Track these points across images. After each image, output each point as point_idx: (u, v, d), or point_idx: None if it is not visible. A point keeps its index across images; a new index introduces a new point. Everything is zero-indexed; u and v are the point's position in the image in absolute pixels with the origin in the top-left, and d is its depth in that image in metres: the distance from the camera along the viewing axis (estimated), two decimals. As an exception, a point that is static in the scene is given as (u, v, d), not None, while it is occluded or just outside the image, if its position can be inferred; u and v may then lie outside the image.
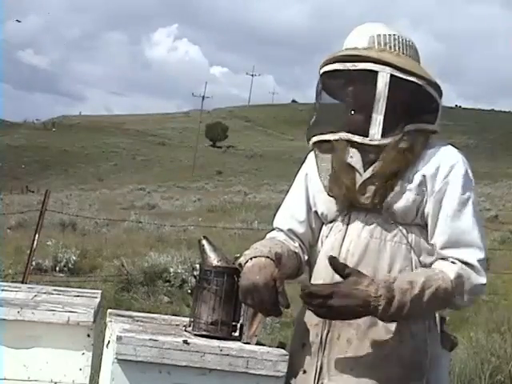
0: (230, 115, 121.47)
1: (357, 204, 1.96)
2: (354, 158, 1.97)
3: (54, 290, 2.30)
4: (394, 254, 1.93)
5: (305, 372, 1.95)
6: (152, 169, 69.42)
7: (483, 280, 1.89)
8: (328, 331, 1.93)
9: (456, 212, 1.91)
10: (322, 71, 2.03)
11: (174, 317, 2.14)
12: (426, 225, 1.96)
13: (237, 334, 1.88)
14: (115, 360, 1.71)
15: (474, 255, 1.88)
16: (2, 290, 2.12)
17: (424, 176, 1.94)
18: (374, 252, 1.93)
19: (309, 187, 2.10)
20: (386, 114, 1.92)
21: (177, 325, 1.99)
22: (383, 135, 1.92)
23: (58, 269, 9.90)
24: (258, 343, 1.85)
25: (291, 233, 2.10)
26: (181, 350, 1.72)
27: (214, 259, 1.91)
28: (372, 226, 1.95)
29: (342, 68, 1.96)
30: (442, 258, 1.91)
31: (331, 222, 2.03)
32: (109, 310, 2.05)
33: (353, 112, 1.98)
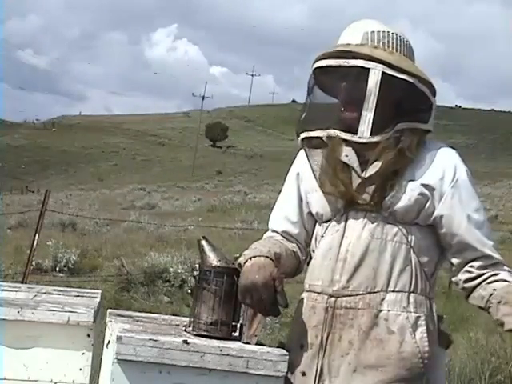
0: (230, 115, 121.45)
1: (355, 203, 1.96)
2: (350, 156, 1.96)
3: (54, 290, 2.30)
4: (395, 254, 1.93)
5: (304, 374, 1.94)
6: (152, 169, 69.43)
7: None
8: (328, 333, 1.93)
9: (479, 218, 1.96)
10: (314, 67, 2.02)
11: (173, 317, 2.14)
12: (430, 226, 1.97)
13: (237, 334, 1.88)
14: (115, 360, 1.71)
15: (497, 255, 1.98)
16: (2, 290, 2.12)
17: (428, 178, 1.94)
18: (375, 252, 1.93)
19: (301, 187, 2.09)
20: (376, 111, 1.90)
21: (177, 325, 1.99)
22: (373, 133, 1.92)
23: (58, 269, 9.90)
24: (257, 343, 1.85)
25: (286, 234, 2.10)
26: (181, 350, 1.72)
27: (213, 259, 1.91)
28: (372, 226, 1.94)
29: (334, 64, 1.95)
30: (494, 263, 1.95)
31: (326, 221, 2.02)
32: (109, 310, 2.05)
33: (343, 109, 1.97)
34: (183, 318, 2.05)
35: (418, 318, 1.92)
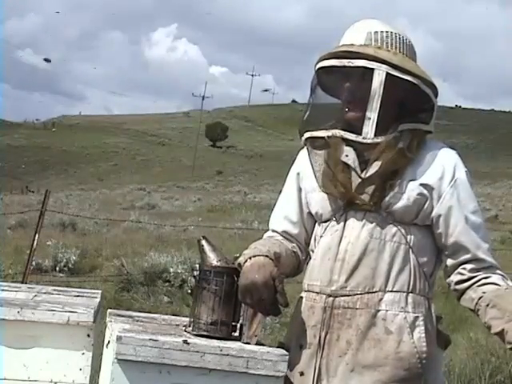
0: (230, 115, 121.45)
1: (354, 204, 1.96)
2: (350, 156, 1.96)
3: (54, 290, 2.30)
4: (394, 254, 1.93)
5: (302, 374, 1.94)
6: (152, 169, 69.43)
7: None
8: (326, 332, 1.93)
9: (476, 219, 1.96)
10: (317, 67, 2.01)
11: (173, 317, 2.14)
12: (429, 226, 1.97)
13: (237, 334, 1.88)
14: (115, 360, 1.71)
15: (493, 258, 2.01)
16: (2, 290, 2.12)
17: (427, 178, 1.94)
18: (373, 252, 1.93)
19: (301, 187, 2.09)
20: (380, 112, 1.91)
21: (177, 325, 1.99)
22: (377, 134, 1.92)
23: (58, 269, 9.90)
24: (258, 343, 1.85)
25: (286, 234, 2.10)
26: (181, 350, 1.72)
27: (213, 259, 1.91)
28: (371, 226, 1.95)
29: (337, 64, 1.95)
30: (487, 267, 1.97)
31: (326, 221, 2.02)
32: (109, 310, 2.05)
33: (347, 109, 1.97)
34: (183, 318, 2.05)
35: (416, 318, 1.92)
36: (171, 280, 9.05)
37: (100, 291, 2.33)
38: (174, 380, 1.74)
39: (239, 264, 1.90)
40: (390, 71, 1.91)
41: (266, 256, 1.89)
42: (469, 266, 1.96)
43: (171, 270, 9.16)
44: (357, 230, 1.95)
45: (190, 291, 8.40)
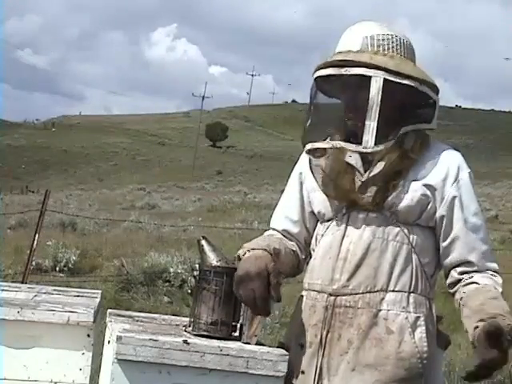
0: (230, 115, 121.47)
1: (356, 203, 1.96)
2: (353, 156, 1.96)
3: (54, 290, 2.30)
4: (396, 254, 1.93)
5: (303, 373, 1.95)
6: (152, 169, 69.43)
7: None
8: (328, 331, 1.93)
9: (477, 221, 1.97)
10: (315, 76, 2.01)
11: (173, 317, 2.14)
12: (432, 227, 1.97)
13: (237, 334, 1.88)
14: (115, 360, 1.71)
15: (494, 261, 2.01)
16: (2, 290, 2.12)
17: (430, 179, 1.94)
18: (376, 252, 1.93)
19: (303, 186, 2.10)
20: (379, 119, 1.90)
21: (177, 325, 1.99)
22: (377, 141, 1.91)
23: (58, 269, 9.88)
24: (257, 343, 1.85)
25: (286, 233, 2.10)
26: (181, 350, 1.72)
27: (213, 259, 1.91)
28: (374, 226, 1.95)
29: (335, 73, 1.95)
30: (479, 271, 1.97)
31: (328, 220, 2.02)
32: (109, 310, 2.05)
33: (346, 118, 1.98)
34: (183, 318, 2.05)
35: (417, 318, 1.92)
36: (171, 280, 9.04)
37: (100, 291, 2.33)
38: (174, 380, 1.74)
39: (238, 256, 1.92)
40: (386, 77, 1.91)
41: (265, 250, 1.90)
42: (459, 269, 1.97)
43: (171, 269, 9.15)
44: (359, 230, 1.95)
45: (189, 291, 8.39)
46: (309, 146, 2.04)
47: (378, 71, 1.91)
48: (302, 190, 2.10)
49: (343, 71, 1.93)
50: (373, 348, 1.89)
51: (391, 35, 1.99)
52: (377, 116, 1.90)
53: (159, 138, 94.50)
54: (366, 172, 1.95)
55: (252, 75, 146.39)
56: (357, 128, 1.94)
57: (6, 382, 1.92)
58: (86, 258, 10.81)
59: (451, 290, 2.00)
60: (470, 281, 1.95)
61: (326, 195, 2.00)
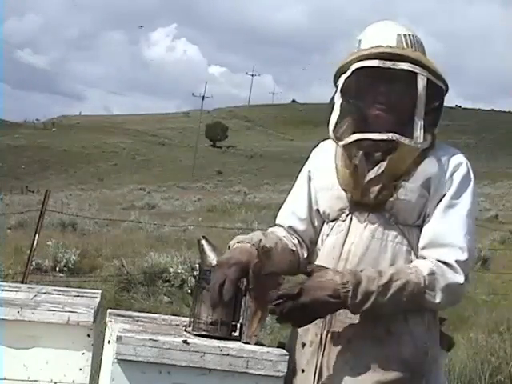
0: (230, 115, 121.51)
1: (360, 204, 1.96)
2: (357, 156, 1.96)
3: (54, 290, 2.30)
4: (395, 254, 1.93)
5: (303, 371, 1.95)
6: (152, 169, 69.45)
7: (460, 279, 1.86)
8: (328, 331, 1.93)
9: (442, 213, 1.92)
10: (355, 67, 1.95)
11: (173, 317, 2.14)
12: None
13: (237, 333, 1.88)
14: (115, 360, 1.71)
15: (453, 255, 1.87)
16: (2, 290, 2.12)
17: (428, 179, 1.94)
18: (375, 252, 1.93)
19: (311, 185, 2.10)
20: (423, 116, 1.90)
21: (177, 325, 1.99)
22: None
23: (58, 269, 9.88)
24: (257, 343, 1.85)
25: (291, 230, 2.10)
26: (181, 349, 1.72)
27: (213, 259, 1.91)
28: (374, 226, 1.95)
29: (381, 66, 1.91)
30: (422, 258, 1.92)
31: (333, 220, 2.03)
32: (109, 310, 2.05)
33: (379, 111, 1.95)
34: (183, 318, 2.05)
35: (418, 318, 1.91)
36: (171, 280, 9.04)
37: (100, 291, 2.33)
38: (174, 380, 1.74)
39: (228, 246, 1.94)
40: (429, 76, 1.91)
41: (253, 245, 1.92)
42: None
43: (171, 269, 9.15)
44: (360, 230, 1.96)
45: (189, 291, 8.39)
46: (356, 137, 1.94)
47: (423, 69, 1.91)
48: (310, 188, 2.10)
49: (390, 65, 1.91)
50: (372, 348, 1.89)
51: (415, 36, 2.00)
52: (423, 113, 1.90)
53: (159, 138, 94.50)
54: (369, 172, 1.95)
55: (252, 75, 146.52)
56: (387, 123, 1.92)
57: (5, 382, 1.92)
58: (86, 257, 10.81)
59: None
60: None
61: (342, 187, 1.98)
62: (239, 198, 26.33)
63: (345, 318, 1.91)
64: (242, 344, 1.82)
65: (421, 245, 1.93)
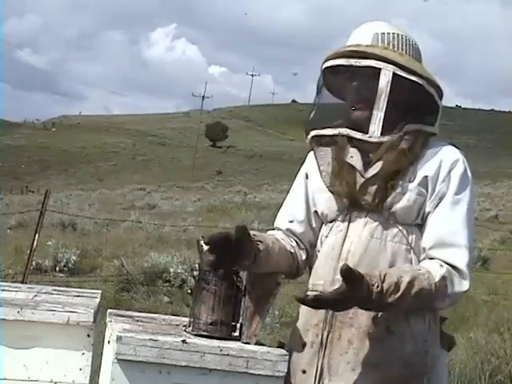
0: (230, 115, 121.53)
1: (358, 204, 1.96)
2: (354, 157, 1.97)
3: (54, 290, 2.30)
4: (395, 254, 1.93)
5: (304, 372, 1.95)
6: (152, 169, 69.46)
7: (467, 285, 1.89)
8: (329, 332, 1.93)
9: (448, 212, 1.92)
10: (324, 66, 2.02)
11: (173, 317, 2.14)
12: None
13: (237, 334, 1.88)
14: (115, 360, 1.71)
15: (462, 258, 1.89)
16: (2, 290, 2.12)
17: (426, 177, 1.94)
18: (374, 252, 1.93)
19: (308, 186, 2.10)
20: (386, 111, 1.92)
21: (177, 325, 1.99)
22: (383, 133, 1.92)
23: (58, 269, 9.88)
24: (257, 343, 1.85)
25: (290, 232, 2.10)
26: (181, 349, 1.72)
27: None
28: (373, 226, 1.95)
29: (345, 63, 1.96)
30: (429, 258, 1.92)
31: (331, 221, 2.03)
32: (109, 310, 2.05)
33: (354, 108, 1.98)
34: (183, 318, 2.05)
35: (418, 318, 1.91)
36: (171, 280, 9.04)
37: (100, 291, 2.33)
38: (174, 380, 1.74)
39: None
40: (396, 71, 1.92)
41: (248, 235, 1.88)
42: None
43: (171, 270, 9.15)
44: (359, 230, 1.96)
45: (189, 291, 8.39)
46: (313, 133, 2.04)
47: (388, 65, 1.92)
48: (308, 190, 2.10)
49: (353, 62, 1.94)
50: (373, 348, 1.89)
51: (401, 35, 2.01)
52: (384, 107, 1.91)
53: (159, 138, 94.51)
54: (365, 172, 1.95)
55: (252, 75, 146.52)
56: (362, 120, 1.94)
57: (5, 382, 1.92)
58: (86, 257, 10.81)
59: None
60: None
61: (331, 191, 1.99)
62: (239, 198, 26.33)
63: (345, 318, 1.92)
64: (242, 344, 1.82)
65: (427, 245, 1.93)
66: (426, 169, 1.94)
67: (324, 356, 1.93)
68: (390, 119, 1.92)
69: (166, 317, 2.13)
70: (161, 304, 8.39)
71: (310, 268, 2.09)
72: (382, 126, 1.92)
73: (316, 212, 2.08)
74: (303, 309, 2.01)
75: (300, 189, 2.12)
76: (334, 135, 1.99)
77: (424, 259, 1.93)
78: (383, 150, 1.94)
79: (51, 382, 1.94)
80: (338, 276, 1.92)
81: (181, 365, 1.72)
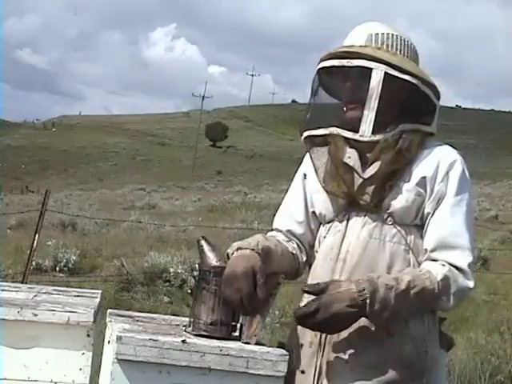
0: (230, 115, 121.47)
1: (356, 204, 1.96)
2: (352, 157, 1.97)
3: (54, 289, 2.30)
4: (393, 254, 1.93)
5: (303, 372, 1.95)
6: (152, 169, 69.42)
7: (471, 284, 1.89)
8: (327, 332, 1.93)
9: (448, 214, 1.92)
10: (318, 67, 2.03)
11: (173, 317, 2.14)
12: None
13: (237, 334, 1.88)
14: (115, 360, 1.71)
15: (465, 259, 1.89)
16: (2, 290, 2.12)
17: (424, 177, 1.94)
18: (372, 252, 1.93)
19: (306, 187, 2.10)
20: (378, 111, 1.92)
21: (177, 325, 1.99)
22: (374, 132, 1.92)
23: (58, 269, 9.88)
24: (257, 343, 1.85)
25: (290, 233, 2.10)
26: (181, 349, 1.72)
27: (212, 259, 1.91)
28: (371, 226, 1.95)
29: (337, 64, 1.97)
30: (431, 260, 1.92)
31: (329, 222, 2.02)
32: (109, 310, 2.05)
33: (346, 108, 1.98)
34: (183, 318, 2.05)
35: (417, 318, 1.91)
36: (171, 280, 9.04)
37: (100, 291, 2.33)
38: (174, 380, 1.74)
39: (227, 255, 1.92)
40: (388, 71, 1.92)
41: (253, 250, 1.90)
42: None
43: (171, 270, 9.14)
44: (357, 231, 1.96)
45: (190, 291, 8.39)
46: (306, 134, 2.05)
47: (380, 64, 1.93)
48: (306, 191, 2.10)
49: (345, 62, 1.95)
50: (372, 349, 1.89)
51: (396, 35, 2.01)
52: (375, 106, 1.91)
53: (159, 138, 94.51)
54: (363, 172, 1.95)
55: (252, 75, 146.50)
56: (355, 120, 1.95)
57: (5, 382, 1.92)
58: (86, 257, 10.80)
59: None
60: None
61: (327, 191, 2.00)
62: (239, 198, 26.32)
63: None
64: (242, 344, 1.82)
65: (429, 246, 1.93)
66: (423, 169, 1.94)
67: (323, 356, 1.93)
68: (384, 119, 1.93)
69: (166, 317, 2.13)
70: (161, 304, 8.39)
71: (310, 268, 2.10)
72: (374, 126, 1.92)
73: (314, 213, 2.08)
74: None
75: (298, 189, 2.12)
76: (325, 135, 2.00)
77: (425, 261, 1.93)
78: (379, 149, 1.94)
79: (51, 382, 1.95)
80: (337, 277, 1.93)
81: (181, 365, 1.72)
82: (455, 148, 2.03)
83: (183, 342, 1.74)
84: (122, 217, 16.80)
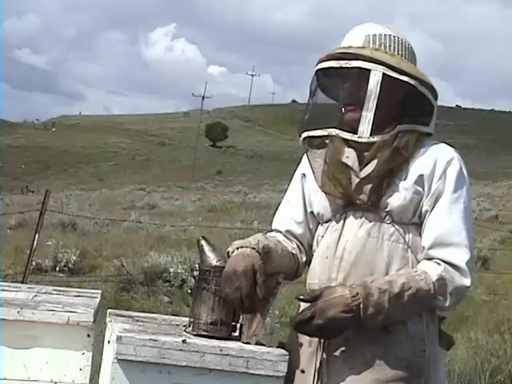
0: (230, 115, 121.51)
1: (354, 203, 1.96)
2: (350, 157, 1.97)
3: (54, 289, 2.30)
4: (392, 253, 1.93)
5: (303, 371, 1.95)
6: (152, 169, 69.45)
7: (468, 282, 1.88)
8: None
9: (446, 211, 1.92)
10: (316, 68, 2.04)
11: (173, 317, 2.14)
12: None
13: (237, 333, 1.88)
14: (115, 360, 1.71)
15: (462, 257, 1.89)
16: (2, 290, 2.12)
17: (421, 175, 1.94)
18: (371, 251, 1.93)
19: (305, 187, 2.10)
20: (376, 112, 1.92)
21: (177, 325, 1.99)
22: (373, 133, 1.93)
23: (58, 269, 9.88)
24: (257, 343, 1.85)
25: (289, 234, 2.10)
26: (181, 349, 1.72)
27: (212, 259, 1.91)
28: (369, 225, 1.95)
29: (335, 65, 1.97)
30: (428, 258, 1.92)
31: (327, 221, 2.03)
32: (109, 310, 2.05)
33: (344, 109, 1.98)
34: (183, 318, 2.05)
35: (416, 317, 1.91)
36: (171, 280, 9.04)
37: (100, 291, 2.33)
38: (174, 380, 1.74)
39: (227, 253, 1.92)
40: (386, 72, 1.93)
41: (253, 248, 1.90)
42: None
43: (171, 269, 9.15)
44: (355, 229, 1.96)
45: (189, 291, 8.39)
46: (305, 134, 2.06)
47: (378, 65, 1.93)
48: (304, 191, 2.10)
49: (343, 64, 1.95)
50: (371, 347, 1.88)
51: (393, 36, 2.01)
52: (374, 107, 1.92)
53: (159, 138, 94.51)
54: (361, 171, 1.96)
55: (252, 75, 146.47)
56: (353, 121, 1.95)
57: (5, 382, 1.92)
58: (86, 257, 10.81)
59: None
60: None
61: (324, 192, 2.00)
62: (239, 198, 26.31)
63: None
64: (242, 344, 1.82)
65: (427, 244, 1.92)
66: (421, 167, 1.95)
67: (322, 355, 1.93)
68: (382, 119, 1.93)
69: (166, 317, 2.13)
70: (161, 304, 8.39)
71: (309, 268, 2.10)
72: (373, 126, 1.92)
73: (312, 213, 2.08)
74: (301, 309, 2.01)
75: (297, 190, 2.12)
76: (324, 136, 2.01)
77: (423, 259, 1.93)
78: (376, 148, 1.94)
79: (51, 381, 1.95)
80: (334, 275, 1.93)
81: (181, 365, 1.73)
82: (452, 146, 2.03)
83: (183, 341, 1.74)
84: (122, 217, 16.80)
